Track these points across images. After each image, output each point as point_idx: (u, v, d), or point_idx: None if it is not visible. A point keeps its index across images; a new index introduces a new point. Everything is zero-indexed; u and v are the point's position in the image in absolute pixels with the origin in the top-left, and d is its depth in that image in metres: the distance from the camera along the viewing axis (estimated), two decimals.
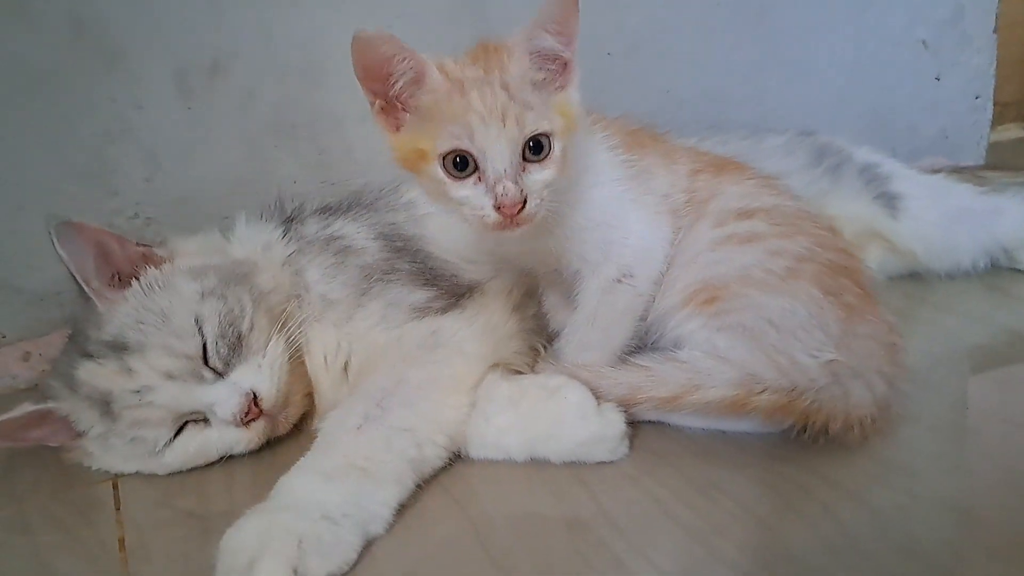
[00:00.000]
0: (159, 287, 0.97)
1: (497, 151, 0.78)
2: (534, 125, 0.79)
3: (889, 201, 1.28)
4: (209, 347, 0.94)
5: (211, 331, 0.94)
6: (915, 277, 1.31)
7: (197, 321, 0.94)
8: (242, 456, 0.97)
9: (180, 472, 0.96)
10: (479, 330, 0.99)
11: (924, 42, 1.76)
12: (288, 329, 0.99)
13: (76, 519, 0.91)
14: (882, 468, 0.83)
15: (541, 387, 0.92)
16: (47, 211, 1.18)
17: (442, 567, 0.76)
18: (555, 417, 0.89)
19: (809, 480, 0.82)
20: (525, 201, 0.79)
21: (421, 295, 1.03)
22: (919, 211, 1.28)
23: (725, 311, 0.88)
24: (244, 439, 0.95)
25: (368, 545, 0.78)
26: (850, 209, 1.28)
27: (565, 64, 0.83)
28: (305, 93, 1.34)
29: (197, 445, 0.95)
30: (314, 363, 1.01)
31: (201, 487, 0.94)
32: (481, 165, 0.79)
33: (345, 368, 1.02)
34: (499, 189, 0.78)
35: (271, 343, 0.96)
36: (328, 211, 1.15)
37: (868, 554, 0.71)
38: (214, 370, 0.94)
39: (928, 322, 1.20)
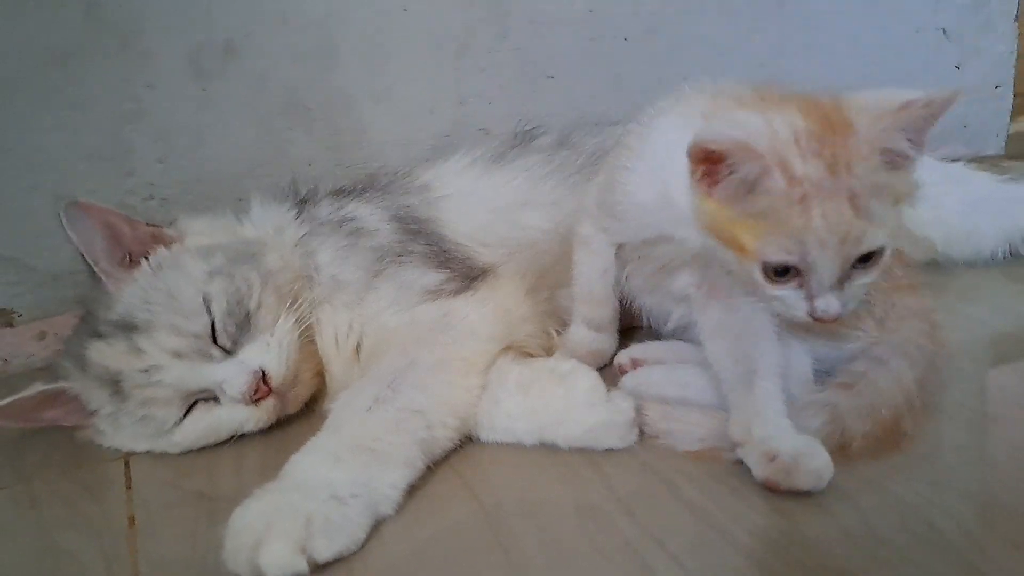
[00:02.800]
0: (167, 267, 0.97)
1: (828, 270, 0.70)
2: (872, 243, 0.70)
3: None
4: (217, 325, 0.93)
5: (219, 309, 0.93)
6: (933, 266, 1.28)
7: (205, 300, 0.94)
8: (253, 436, 0.96)
9: (191, 452, 0.96)
10: (491, 312, 0.98)
11: (944, 29, 1.73)
12: (298, 308, 0.98)
13: (85, 497, 0.91)
14: (903, 457, 0.81)
15: (551, 371, 0.91)
16: (61, 191, 1.18)
17: (451, 549, 0.75)
18: (564, 402, 0.88)
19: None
20: None
21: (434, 277, 1.02)
22: (938, 199, 1.25)
23: None
24: (254, 417, 0.94)
25: (377, 526, 0.78)
26: None
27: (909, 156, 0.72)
28: (319, 75, 1.33)
29: (207, 424, 0.95)
30: (325, 344, 1.01)
31: (211, 467, 0.94)
32: (805, 276, 0.71)
33: (357, 350, 1.01)
34: (820, 304, 0.72)
35: (280, 321, 0.96)
36: (342, 193, 1.15)
37: (887, 542, 0.70)
38: (223, 348, 0.94)
39: (948, 311, 1.16)
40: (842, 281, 0.72)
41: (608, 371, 1.02)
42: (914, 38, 1.72)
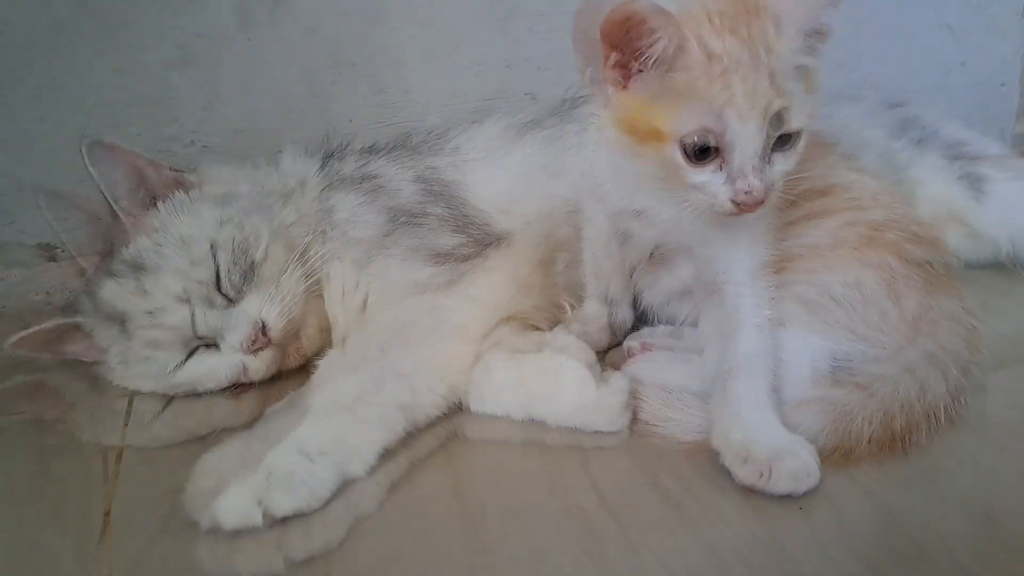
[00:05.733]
0: (182, 212, 0.98)
1: (749, 147, 0.70)
2: (794, 121, 0.70)
3: (974, 183, 1.17)
4: (221, 273, 0.94)
5: (224, 258, 0.94)
6: (997, 267, 1.19)
7: (212, 247, 0.95)
8: (253, 385, 0.98)
9: (192, 395, 0.98)
10: (498, 281, 0.96)
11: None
12: (308, 262, 0.98)
13: (87, 427, 0.95)
14: (906, 466, 0.76)
15: (546, 346, 0.89)
16: (108, 132, 1.21)
17: (413, 513, 0.74)
18: (554, 378, 0.85)
19: (825, 473, 0.74)
20: None
21: (447, 241, 1.01)
22: (1007, 196, 1.16)
23: (791, 282, 0.83)
24: (252, 367, 0.95)
25: (356, 522, 0.75)
26: (930, 188, 1.17)
27: (823, 33, 0.73)
28: (365, 31, 1.32)
29: (207, 369, 0.96)
30: (332, 300, 1.01)
31: (208, 411, 0.96)
32: (726, 155, 0.71)
33: (364, 308, 1.00)
34: (742, 185, 0.70)
35: (285, 274, 0.96)
36: (372, 151, 1.14)
37: (861, 555, 0.65)
38: (226, 296, 0.95)
39: (1005, 317, 1.08)
40: (764, 164, 0.71)
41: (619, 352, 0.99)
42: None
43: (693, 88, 0.69)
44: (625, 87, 0.74)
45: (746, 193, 0.70)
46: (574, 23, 0.73)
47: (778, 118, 0.69)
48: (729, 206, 0.72)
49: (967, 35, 1.63)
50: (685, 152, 0.71)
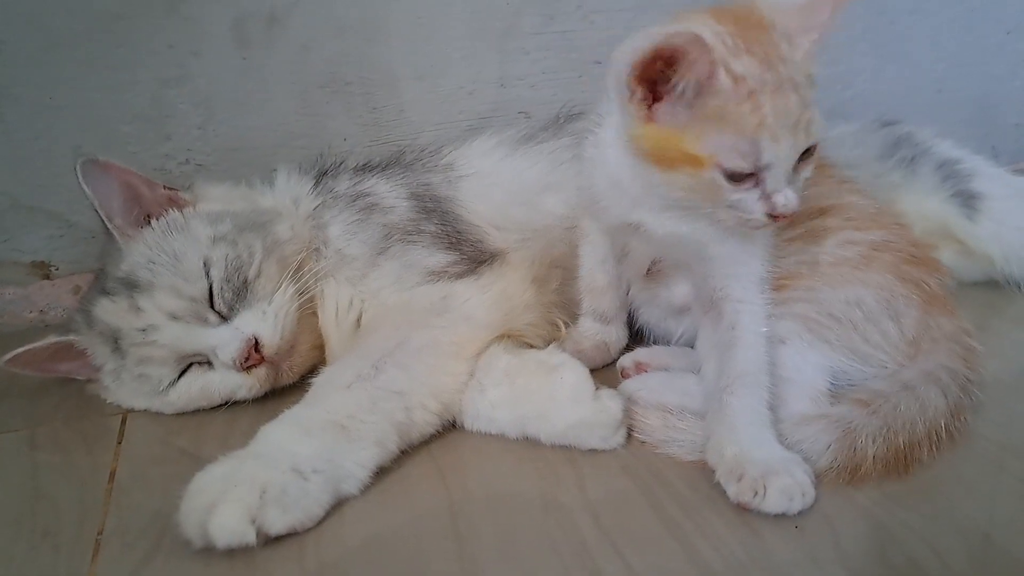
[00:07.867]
0: (175, 229, 0.98)
1: (783, 166, 0.71)
2: (818, 132, 0.72)
3: (967, 200, 1.17)
4: (215, 290, 0.94)
5: (217, 275, 0.94)
6: (991, 285, 1.19)
7: (205, 264, 0.95)
8: (248, 403, 0.98)
9: (185, 413, 0.98)
10: (492, 298, 0.96)
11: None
12: (301, 279, 0.98)
13: (80, 447, 0.94)
14: (903, 485, 0.75)
15: (540, 363, 0.88)
16: (104, 151, 1.21)
17: (408, 536, 0.74)
18: (548, 396, 0.85)
19: (821, 492, 0.74)
20: None
21: (440, 258, 1.01)
22: (1000, 214, 1.16)
23: (791, 299, 0.84)
24: (246, 385, 0.95)
25: (340, 506, 0.77)
26: (923, 206, 1.18)
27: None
28: (361, 50, 1.33)
29: (200, 387, 0.96)
30: (326, 318, 1.01)
31: (201, 428, 0.95)
32: (762, 175, 0.72)
33: (358, 325, 1.00)
34: (779, 200, 0.72)
35: (279, 292, 0.96)
36: (366, 168, 1.14)
37: (857, 573, 0.65)
38: (219, 314, 0.95)
39: (999, 335, 1.09)
40: (794, 175, 0.73)
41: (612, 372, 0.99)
42: (1003, 39, 1.60)
43: (724, 112, 0.69)
44: (651, 120, 0.73)
45: (783, 206, 0.72)
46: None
47: (807, 131, 0.70)
48: (764, 219, 0.73)
49: (958, 52, 1.63)
50: (725, 175, 0.72)
